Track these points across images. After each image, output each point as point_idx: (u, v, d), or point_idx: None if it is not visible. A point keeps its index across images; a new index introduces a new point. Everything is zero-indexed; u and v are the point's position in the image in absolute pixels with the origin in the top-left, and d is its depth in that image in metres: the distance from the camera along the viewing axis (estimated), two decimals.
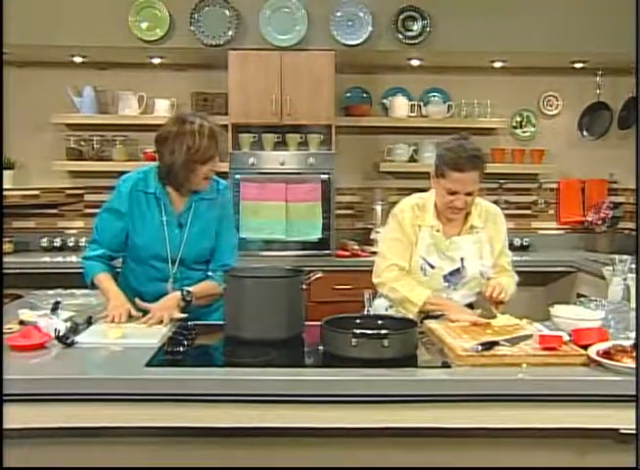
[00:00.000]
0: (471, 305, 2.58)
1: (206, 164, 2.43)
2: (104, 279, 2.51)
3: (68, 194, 4.72)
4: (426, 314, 2.46)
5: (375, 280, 2.61)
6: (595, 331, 2.08)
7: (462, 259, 2.56)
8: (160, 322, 2.31)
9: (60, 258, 4.29)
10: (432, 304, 2.48)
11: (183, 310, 2.42)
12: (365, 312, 2.46)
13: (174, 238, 2.52)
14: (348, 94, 4.81)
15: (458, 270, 2.55)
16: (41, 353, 2.02)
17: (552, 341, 2.00)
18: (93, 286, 2.55)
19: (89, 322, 2.30)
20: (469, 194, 2.47)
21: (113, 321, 2.31)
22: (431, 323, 2.32)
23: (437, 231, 2.57)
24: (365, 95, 4.84)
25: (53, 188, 4.69)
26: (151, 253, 2.52)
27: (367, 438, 1.86)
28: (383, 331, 1.97)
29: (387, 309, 2.63)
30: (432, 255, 2.56)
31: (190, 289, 2.45)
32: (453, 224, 2.60)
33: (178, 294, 2.43)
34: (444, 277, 2.55)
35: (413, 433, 1.85)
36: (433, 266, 2.55)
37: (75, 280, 2.77)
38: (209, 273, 2.57)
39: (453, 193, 2.46)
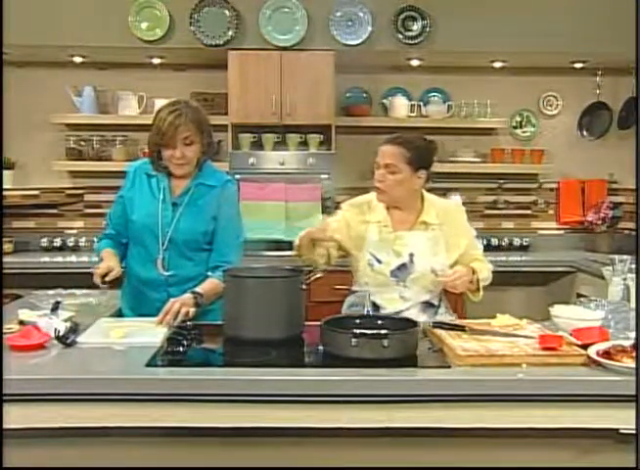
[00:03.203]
0: (431, 305, 2.59)
1: (167, 149, 2.50)
2: (105, 252, 2.58)
3: (68, 194, 4.72)
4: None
5: None
6: (597, 330, 2.08)
7: (411, 255, 2.54)
8: (176, 316, 2.31)
9: (60, 259, 4.30)
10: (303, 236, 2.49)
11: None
12: (365, 312, 2.47)
13: (166, 216, 2.55)
14: (348, 94, 4.82)
15: (405, 265, 2.53)
16: (41, 353, 2.01)
17: (552, 341, 2.00)
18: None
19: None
20: (392, 173, 2.49)
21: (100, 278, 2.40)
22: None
23: (385, 226, 2.58)
24: (365, 95, 4.84)
25: (53, 188, 4.69)
26: (143, 228, 2.56)
27: (367, 438, 1.86)
28: (383, 331, 1.96)
29: (349, 308, 2.66)
30: (380, 250, 2.56)
31: (199, 290, 2.44)
32: (403, 219, 2.60)
33: (191, 296, 2.41)
34: (391, 272, 2.54)
35: (413, 433, 1.85)
36: (380, 261, 2.55)
37: (75, 280, 2.77)
38: (209, 273, 2.56)
39: (379, 167, 2.52)
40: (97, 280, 2.42)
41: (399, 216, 2.60)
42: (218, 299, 2.52)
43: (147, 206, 2.57)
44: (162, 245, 2.54)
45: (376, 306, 2.56)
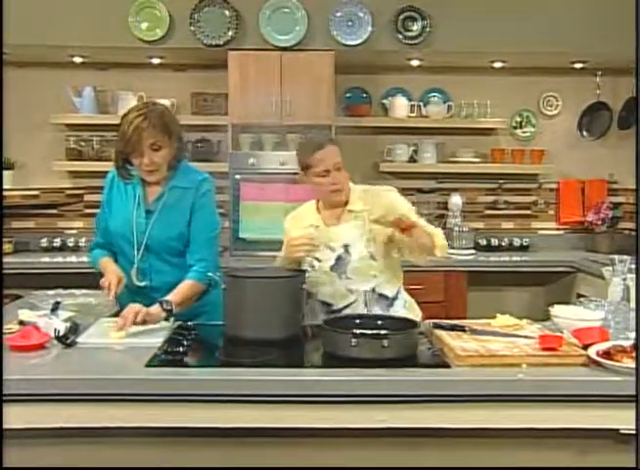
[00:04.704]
0: (383, 296, 2.56)
1: (135, 156, 2.43)
2: (103, 261, 2.54)
3: (68, 194, 4.72)
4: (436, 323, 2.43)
5: None
6: (597, 330, 2.08)
7: (345, 246, 2.54)
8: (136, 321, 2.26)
9: (59, 259, 4.29)
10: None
11: (167, 319, 2.34)
12: (365, 312, 2.47)
13: (140, 224, 2.52)
14: (348, 94, 4.82)
15: (340, 257, 2.53)
16: (41, 354, 2.02)
17: (552, 341, 2.00)
18: (102, 275, 2.54)
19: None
20: (339, 169, 2.51)
21: (109, 289, 2.36)
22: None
23: (317, 227, 2.59)
24: (365, 95, 4.84)
25: (53, 188, 4.69)
26: (119, 237, 2.54)
27: (367, 438, 1.86)
28: (382, 331, 1.97)
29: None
30: (318, 250, 2.55)
31: (168, 298, 2.35)
32: (332, 215, 2.61)
33: (157, 307, 2.31)
34: (331, 267, 2.54)
35: (413, 433, 1.85)
36: (319, 260, 2.55)
37: (75, 280, 2.77)
38: (190, 273, 2.50)
39: (325, 174, 2.50)
40: (110, 296, 2.37)
41: (328, 214, 2.62)
42: (198, 299, 2.51)
43: (122, 214, 2.54)
44: (138, 253, 2.51)
45: (327, 305, 2.56)
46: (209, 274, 2.38)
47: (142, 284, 2.52)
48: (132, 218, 2.52)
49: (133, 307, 2.26)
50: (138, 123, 2.36)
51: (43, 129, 4.58)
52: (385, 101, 4.76)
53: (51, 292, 2.70)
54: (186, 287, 2.44)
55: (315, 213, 2.65)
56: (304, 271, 2.42)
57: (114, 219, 2.56)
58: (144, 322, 2.24)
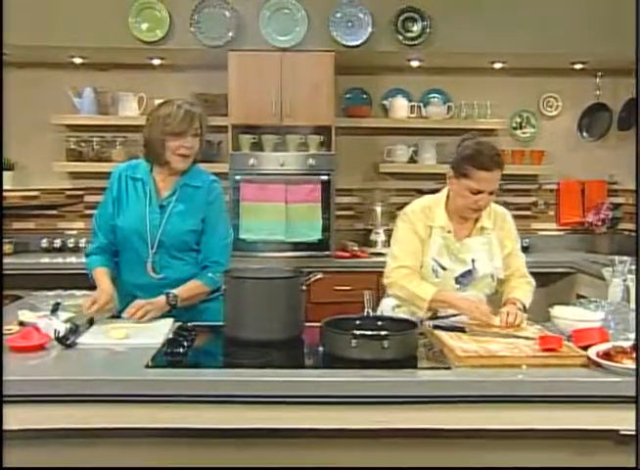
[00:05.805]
0: None
1: (177, 138, 2.47)
2: (98, 272, 2.55)
3: (68, 195, 4.72)
4: (436, 324, 2.41)
5: (385, 281, 2.60)
6: (596, 331, 2.08)
7: (473, 261, 2.56)
8: (143, 316, 2.35)
9: (60, 260, 4.30)
10: (441, 301, 2.44)
11: (169, 313, 2.43)
12: (365, 313, 2.46)
13: (154, 219, 2.54)
14: (348, 95, 4.82)
15: (469, 272, 2.55)
16: (41, 355, 2.02)
17: (552, 342, 2.00)
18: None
19: (91, 322, 2.30)
20: (491, 193, 2.49)
21: (92, 306, 2.36)
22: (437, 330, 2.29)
23: (449, 232, 2.57)
24: (365, 96, 4.84)
25: (53, 189, 4.69)
26: (131, 233, 2.55)
27: (367, 439, 1.86)
28: (382, 332, 1.97)
29: (393, 309, 2.62)
30: (443, 256, 2.55)
31: (175, 292, 2.44)
32: (464, 226, 2.60)
33: (163, 297, 2.42)
34: (456, 279, 2.55)
35: (413, 434, 1.85)
36: (444, 268, 2.55)
37: (75, 281, 2.77)
38: (202, 274, 2.56)
39: (478, 192, 2.46)
40: (89, 311, 2.35)
41: (461, 223, 2.59)
42: (205, 301, 2.56)
43: (134, 210, 2.56)
44: (152, 248, 2.53)
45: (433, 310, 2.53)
46: (220, 279, 2.41)
47: (159, 277, 2.54)
48: (145, 214, 2.54)
49: (137, 304, 2.37)
50: (185, 111, 2.47)
51: (43, 130, 4.58)
52: (385, 102, 4.76)
53: (51, 293, 2.70)
54: (195, 286, 2.52)
55: (446, 218, 2.58)
56: (303, 272, 2.41)
57: (126, 216, 2.57)
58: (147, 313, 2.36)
